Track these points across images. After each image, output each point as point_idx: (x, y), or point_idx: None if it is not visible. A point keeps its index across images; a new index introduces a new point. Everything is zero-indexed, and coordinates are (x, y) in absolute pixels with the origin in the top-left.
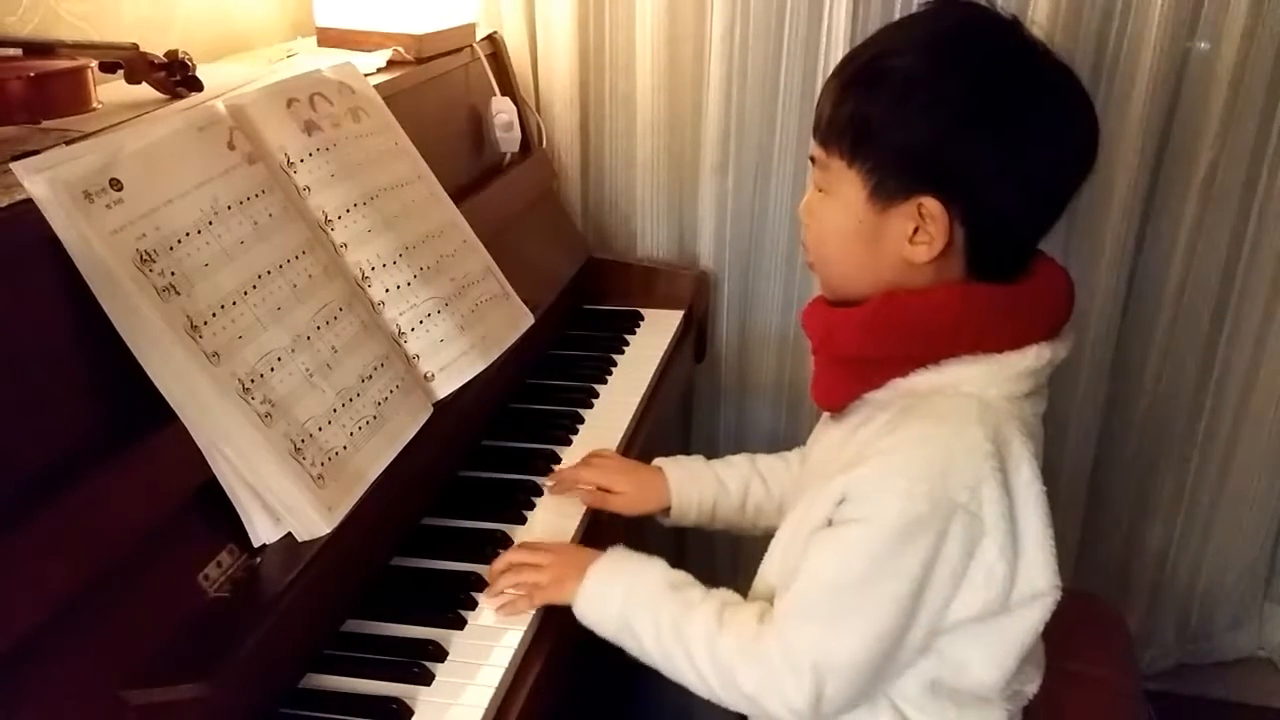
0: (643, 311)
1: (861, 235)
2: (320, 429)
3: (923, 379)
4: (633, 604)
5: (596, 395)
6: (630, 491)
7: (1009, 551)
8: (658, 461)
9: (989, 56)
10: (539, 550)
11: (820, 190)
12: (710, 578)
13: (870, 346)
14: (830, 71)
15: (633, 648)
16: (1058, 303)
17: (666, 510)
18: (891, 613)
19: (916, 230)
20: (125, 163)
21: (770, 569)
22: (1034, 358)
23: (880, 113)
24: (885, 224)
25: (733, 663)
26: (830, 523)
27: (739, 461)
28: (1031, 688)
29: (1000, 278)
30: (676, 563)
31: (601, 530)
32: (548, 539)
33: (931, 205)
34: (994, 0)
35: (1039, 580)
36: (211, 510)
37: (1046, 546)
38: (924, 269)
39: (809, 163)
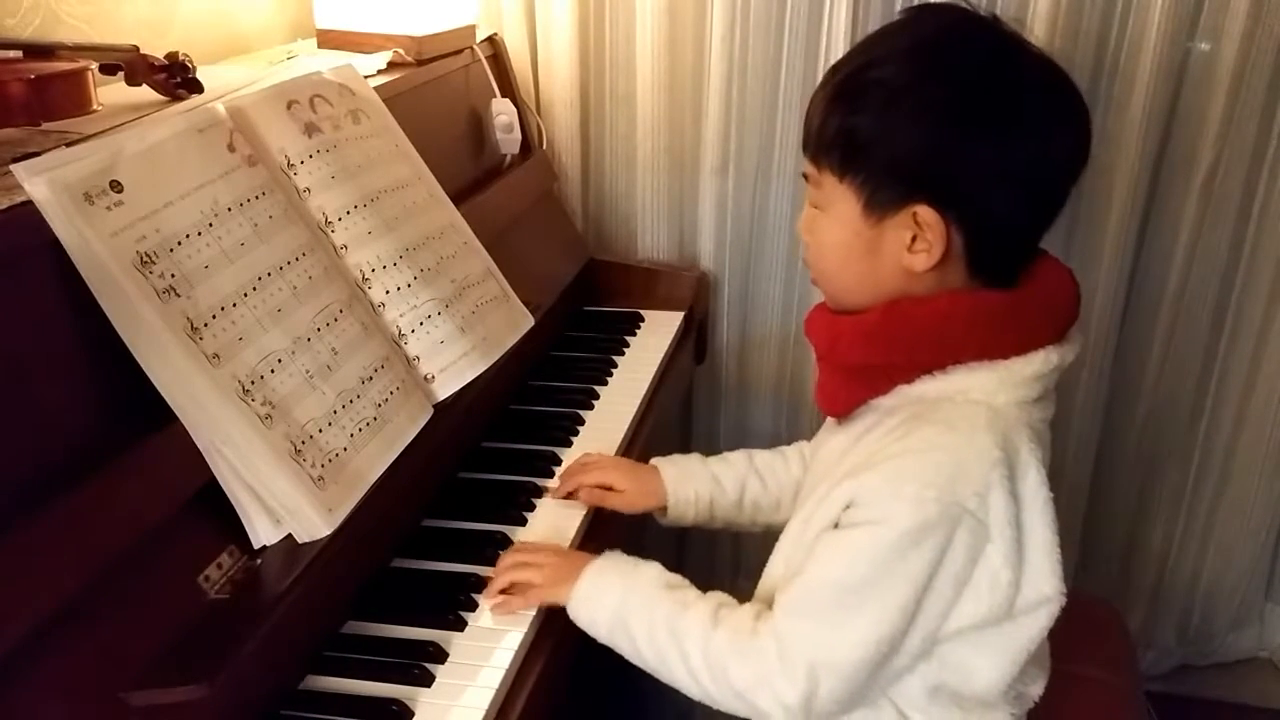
0: (643, 313)
1: (860, 248)
2: (320, 430)
3: (930, 386)
4: (627, 604)
5: (597, 397)
6: (630, 489)
7: (1014, 558)
8: (654, 461)
9: (970, 58)
10: (539, 551)
11: (815, 207)
12: (710, 577)
13: (876, 354)
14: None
15: (626, 648)
16: (1063, 306)
17: (664, 509)
18: (892, 616)
19: (914, 239)
20: (125, 165)
21: (775, 571)
22: (1041, 363)
23: (867, 125)
24: (882, 235)
25: (726, 659)
26: (837, 526)
27: (736, 459)
28: (1036, 689)
29: (1003, 281)
30: (677, 561)
31: (602, 531)
32: (548, 540)
33: (926, 213)
34: (974, 1)
35: (1044, 586)
36: (212, 512)
37: (1052, 553)
38: (926, 277)
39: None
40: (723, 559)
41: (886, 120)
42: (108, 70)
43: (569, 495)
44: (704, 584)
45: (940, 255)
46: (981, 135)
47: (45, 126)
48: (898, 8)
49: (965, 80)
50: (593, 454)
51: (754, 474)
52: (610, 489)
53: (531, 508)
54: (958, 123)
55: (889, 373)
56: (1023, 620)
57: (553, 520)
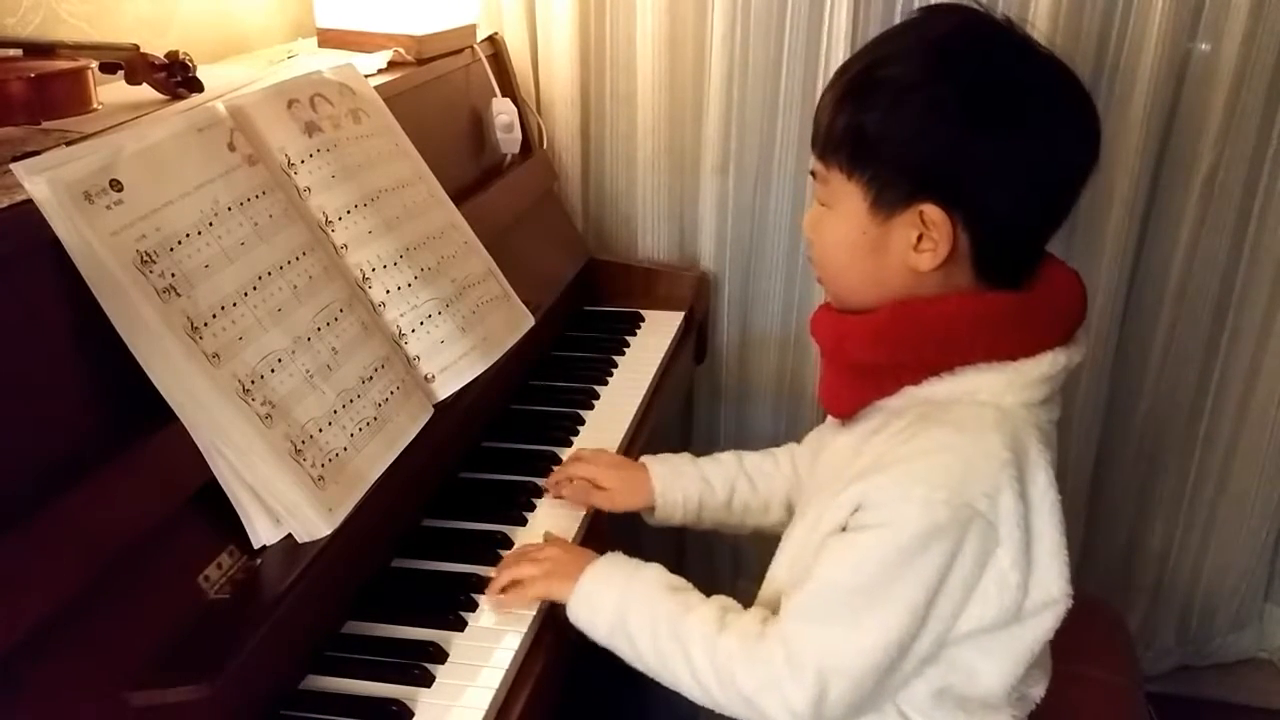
0: (643, 313)
1: (866, 247)
2: (321, 430)
3: (938, 387)
4: (628, 604)
5: (597, 396)
6: (615, 487)
7: (1022, 561)
8: (644, 459)
9: (980, 59)
10: (540, 549)
11: (822, 205)
12: (710, 580)
13: (883, 354)
14: (830, 75)
15: (626, 651)
16: (1070, 307)
17: (651, 509)
18: (902, 619)
19: (920, 238)
20: (125, 164)
21: (779, 573)
22: (1049, 364)
23: (875, 122)
24: (888, 234)
25: (733, 663)
26: (845, 529)
27: (726, 460)
28: (1038, 691)
29: (1010, 283)
30: (677, 564)
31: (602, 532)
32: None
33: (933, 212)
34: (986, 2)
35: (1052, 588)
36: (211, 511)
37: (1060, 555)
38: (932, 277)
39: (810, 176)
40: (723, 560)
41: (895, 118)
42: (108, 69)
43: (559, 496)
44: (704, 586)
45: (946, 255)
46: (989, 136)
47: (45, 125)
48: (898, 8)
49: (974, 80)
50: (586, 449)
51: (743, 475)
52: (597, 486)
53: (531, 508)
54: (965, 123)
55: (895, 373)
56: (1029, 623)
57: (553, 520)
